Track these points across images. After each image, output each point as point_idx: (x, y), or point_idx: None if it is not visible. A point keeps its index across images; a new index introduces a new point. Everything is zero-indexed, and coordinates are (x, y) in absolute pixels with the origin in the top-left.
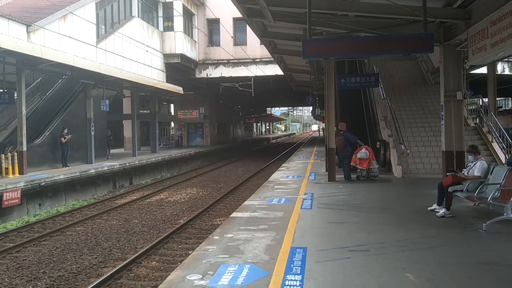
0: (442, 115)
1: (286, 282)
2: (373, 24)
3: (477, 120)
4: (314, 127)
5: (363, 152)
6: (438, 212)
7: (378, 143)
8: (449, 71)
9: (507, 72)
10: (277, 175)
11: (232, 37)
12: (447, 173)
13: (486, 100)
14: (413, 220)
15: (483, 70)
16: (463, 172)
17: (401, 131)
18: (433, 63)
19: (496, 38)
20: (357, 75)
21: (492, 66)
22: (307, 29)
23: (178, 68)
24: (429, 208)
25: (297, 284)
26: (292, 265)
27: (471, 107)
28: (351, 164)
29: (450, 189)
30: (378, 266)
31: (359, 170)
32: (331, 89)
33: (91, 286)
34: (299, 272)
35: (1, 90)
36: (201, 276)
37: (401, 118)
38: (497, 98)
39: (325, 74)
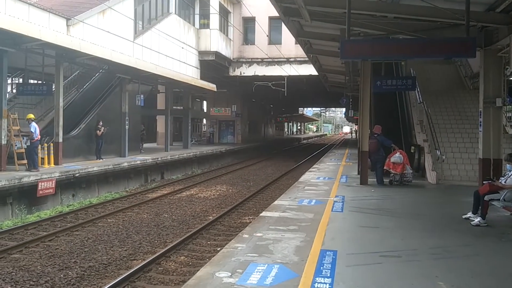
0: (481, 122)
1: (316, 285)
2: (412, 26)
3: None
4: (346, 129)
5: (397, 156)
6: (473, 220)
7: (412, 147)
8: (489, 77)
9: None
10: (307, 176)
11: (267, 36)
12: (483, 181)
13: None
14: (447, 227)
15: None
16: (500, 180)
17: (437, 136)
18: (472, 68)
19: None
20: (393, 78)
21: None
22: (345, 29)
23: (212, 65)
24: (463, 216)
25: (327, 287)
26: (321, 267)
27: (510, 114)
28: (384, 168)
29: (486, 198)
30: (410, 273)
31: (392, 175)
32: (366, 91)
33: (120, 278)
34: (328, 275)
35: (40, 82)
36: (230, 274)
37: (437, 123)
38: None
39: (361, 76)
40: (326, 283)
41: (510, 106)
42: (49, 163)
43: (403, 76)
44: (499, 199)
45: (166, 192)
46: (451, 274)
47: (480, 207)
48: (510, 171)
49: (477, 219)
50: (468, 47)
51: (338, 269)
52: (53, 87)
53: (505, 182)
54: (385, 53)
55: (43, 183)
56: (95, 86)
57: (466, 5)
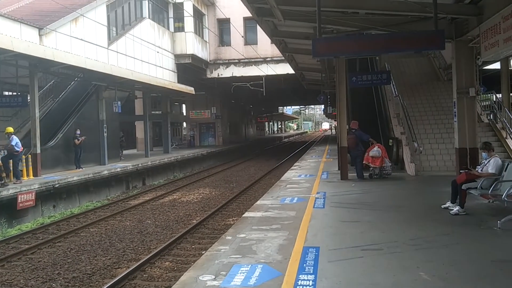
0: (455, 112)
1: (299, 282)
2: (383, 21)
3: (491, 116)
4: (325, 125)
5: (375, 150)
6: (452, 210)
7: (390, 140)
8: (461, 68)
9: None
10: (289, 174)
11: (242, 36)
12: (460, 171)
13: (499, 96)
14: (427, 218)
15: (497, 65)
16: (477, 169)
17: (414, 128)
18: (445, 60)
19: (509, 33)
20: (368, 73)
21: (505, 62)
22: (317, 27)
23: (189, 68)
24: (442, 206)
25: (310, 284)
26: (304, 264)
27: (484, 103)
28: (364, 162)
29: (464, 187)
30: (391, 265)
31: (371, 168)
32: (342, 87)
33: (105, 287)
34: (312, 272)
35: (15, 93)
36: (213, 277)
37: (413, 115)
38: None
39: (336, 72)
40: (309, 280)
41: (484, 96)
42: (28, 175)
43: (378, 70)
44: (476, 188)
45: (148, 198)
46: (432, 263)
47: (458, 196)
48: (486, 159)
49: (455, 208)
50: (437, 39)
51: (321, 265)
52: (29, 98)
53: (481, 170)
54: (357, 49)
55: (22, 196)
56: (71, 95)
57: None
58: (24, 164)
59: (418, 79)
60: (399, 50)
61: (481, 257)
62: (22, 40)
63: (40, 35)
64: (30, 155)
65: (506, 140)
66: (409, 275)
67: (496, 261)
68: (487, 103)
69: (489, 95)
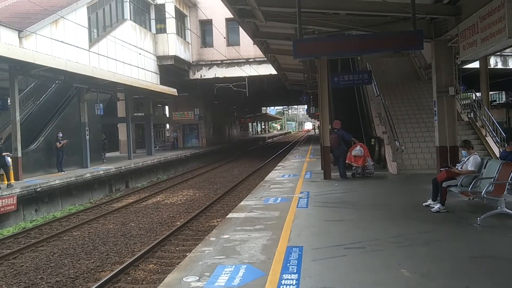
0: (435, 111)
1: (283, 282)
2: (364, 22)
3: (471, 114)
4: (308, 125)
5: (357, 150)
6: (433, 207)
7: (372, 140)
8: (441, 67)
9: (499, 66)
10: (273, 175)
11: (225, 37)
12: (441, 169)
13: (479, 94)
14: (408, 216)
15: (476, 64)
16: (456, 167)
17: (395, 127)
18: (425, 59)
19: (486, 33)
20: (350, 73)
21: (484, 61)
22: (297, 28)
23: (172, 70)
24: (424, 204)
25: (294, 283)
26: (288, 264)
27: (464, 102)
28: (346, 161)
29: (444, 184)
30: (374, 262)
31: (354, 168)
32: (324, 87)
33: None
34: (295, 271)
35: None
36: (197, 278)
37: (395, 114)
38: (490, 92)
39: (318, 73)
40: (293, 279)
41: (464, 94)
42: (8, 179)
43: (359, 70)
44: (456, 185)
45: (131, 200)
46: (413, 260)
47: (439, 194)
48: (465, 157)
49: (436, 206)
50: (416, 39)
51: (304, 265)
52: (9, 101)
53: (461, 168)
54: (337, 50)
55: (3, 200)
56: (53, 98)
57: None
58: None
59: (399, 78)
60: (379, 50)
61: (462, 254)
62: (2, 42)
63: (20, 38)
64: (11, 159)
65: (486, 138)
66: (391, 273)
67: (475, 257)
68: (467, 101)
69: (468, 93)
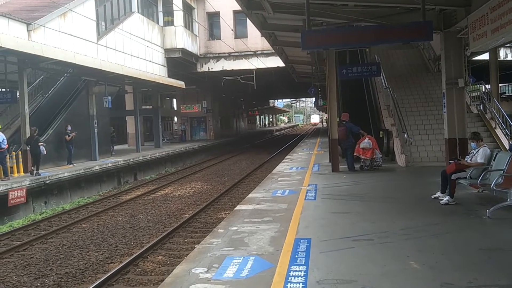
0: (444, 103)
1: (291, 273)
2: (372, 13)
3: (480, 106)
4: (315, 118)
5: (366, 142)
6: (442, 199)
7: (381, 132)
8: (450, 59)
9: (509, 58)
10: (281, 167)
11: (232, 30)
12: (450, 161)
13: (488, 86)
14: (417, 208)
15: (485, 56)
16: (466, 159)
17: (404, 119)
18: (434, 51)
19: (496, 24)
20: (358, 65)
21: (494, 52)
22: (306, 20)
23: (180, 62)
24: (432, 196)
25: (302, 275)
26: (296, 256)
27: (474, 94)
28: (355, 154)
29: (453, 177)
30: (382, 255)
31: (362, 160)
32: (333, 79)
33: (98, 282)
34: (303, 263)
35: (4, 89)
36: (206, 269)
37: (403, 106)
38: (500, 84)
39: (327, 65)
40: (301, 271)
41: (474, 86)
42: (18, 171)
43: (368, 62)
44: (465, 178)
45: (140, 193)
46: (422, 253)
47: (448, 186)
48: (475, 149)
49: (445, 198)
50: (425, 31)
51: (313, 256)
52: (18, 94)
53: (470, 160)
54: (345, 42)
55: (13, 192)
56: (61, 91)
57: None
58: (15, 160)
59: (408, 70)
60: (388, 42)
61: (470, 246)
62: (11, 35)
63: (28, 31)
64: (20, 152)
65: (495, 130)
66: (400, 265)
67: (484, 250)
68: (476, 93)
69: (478, 85)
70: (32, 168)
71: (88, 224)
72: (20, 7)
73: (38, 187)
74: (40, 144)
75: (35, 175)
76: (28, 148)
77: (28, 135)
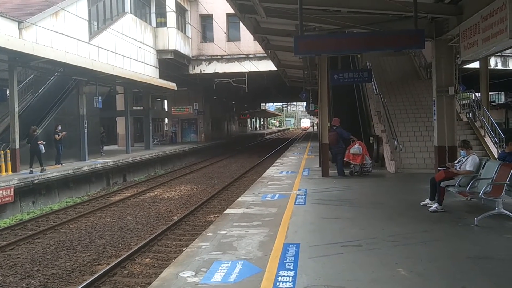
0: (435, 110)
1: (279, 278)
2: (365, 20)
3: (470, 114)
4: (305, 123)
5: (356, 148)
6: (431, 207)
7: (371, 138)
8: (441, 66)
9: (500, 66)
10: (271, 171)
11: (225, 33)
12: (439, 168)
13: (478, 94)
14: (406, 215)
15: (476, 64)
16: (455, 166)
17: (394, 126)
18: (426, 58)
19: (488, 33)
20: (350, 71)
21: (484, 61)
22: (298, 25)
23: (172, 64)
24: (421, 203)
25: (290, 280)
26: (285, 261)
27: (464, 102)
28: (345, 159)
29: (442, 184)
30: (370, 261)
31: (352, 166)
32: (324, 84)
33: (85, 283)
34: (292, 268)
35: None
36: (194, 273)
37: (394, 113)
38: (490, 93)
39: (318, 70)
40: (289, 276)
41: (464, 94)
42: (6, 170)
43: (359, 68)
44: (454, 185)
45: (129, 194)
46: (410, 260)
47: (437, 194)
48: (464, 157)
49: (434, 205)
50: (417, 38)
51: (301, 262)
52: (7, 92)
53: (459, 168)
54: (337, 48)
55: (1, 191)
56: (51, 90)
57: None
58: (3, 159)
59: (399, 77)
60: (380, 49)
61: (458, 254)
62: (1, 33)
63: (19, 29)
64: (8, 150)
65: (485, 138)
66: (388, 271)
67: (472, 257)
68: (466, 101)
69: (468, 94)
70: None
71: (75, 225)
72: (11, 5)
73: (26, 187)
74: (39, 142)
75: (41, 171)
76: (29, 146)
77: (17, 134)
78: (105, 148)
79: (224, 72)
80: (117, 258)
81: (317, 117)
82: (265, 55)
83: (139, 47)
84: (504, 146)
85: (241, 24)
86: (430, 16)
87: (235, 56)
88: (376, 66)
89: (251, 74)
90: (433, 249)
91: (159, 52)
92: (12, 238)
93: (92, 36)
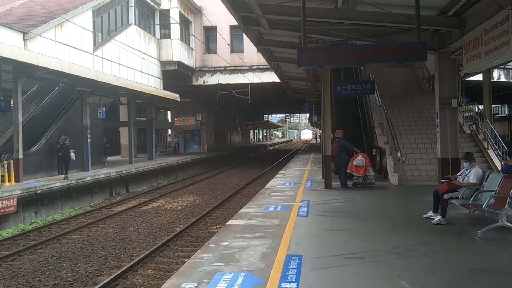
0: (438, 122)
1: None
2: (368, 32)
3: (473, 127)
4: (306, 134)
5: (359, 159)
6: (434, 219)
7: (374, 150)
8: (444, 79)
9: (503, 79)
10: (273, 182)
11: (228, 44)
12: (442, 180)
13: (481, 107)
14: (409, 227)
15: (479, 77)
16: (458, 178)
17: (397, 138)
18: (428, 70)
19: (490, 46)
20: (353, 82)
21: (487, 73)
22: (302, 37)
23: (175, 75)
24: (424, 215)
25: None
26: (287, 273)
27: (467, 114)
28: (348, 171)
29: (445, 196)
30: (373, 273)
31: (355, 177)
32: (327, 96)
33: None
34: (294, 280)
35: None
36: (196, 284)
37: (397, 125)
38: (493, 105)
39: (321, 81)
40: None
41: (467, 107)
42: (9, 180)
43: (362, 80)
44: (457, 197)
45: (131, 205)
46: (413, 272)
47: (440, 206)
48: (467, 169)
49: (437, 218)
50: (420, 51)
51: (303, 274)
52: (12, 102)
53: (462, 180)
54: (340, 60)
55: (4, 201)
56: (55, 100)
57: (416, 10)
58: (6, 169)
59: (402, 89)
60: (383, 61)
61: (461, 266)
62: (7, 44)
63: (24, 40)
64: (12, 161)
65: (488, 150)
66: (390, 284)
67: (475, 270)
68: (469, 114)
69: (471, 106)
70: (64, 173)
71: (78, 235)
72: (17, 16)
73: (28, 197)
74: (71, 151)
75: (64, 179)
76: (59, 155)
77: (20, 144)
78: (109, 158)
79: (227, 84)
80: (119, 269)
81: (319, 129)
82: (268, 66)
83: (143, 58)
84: (508, 158)
85: (245, 36)
86: (433, 28)
87: (238, 68)
88: (379, 78)
89: (254, 86)
90: (436, 261)
91: (163, 63)
92: (14, 248)
93: (97, 47)
